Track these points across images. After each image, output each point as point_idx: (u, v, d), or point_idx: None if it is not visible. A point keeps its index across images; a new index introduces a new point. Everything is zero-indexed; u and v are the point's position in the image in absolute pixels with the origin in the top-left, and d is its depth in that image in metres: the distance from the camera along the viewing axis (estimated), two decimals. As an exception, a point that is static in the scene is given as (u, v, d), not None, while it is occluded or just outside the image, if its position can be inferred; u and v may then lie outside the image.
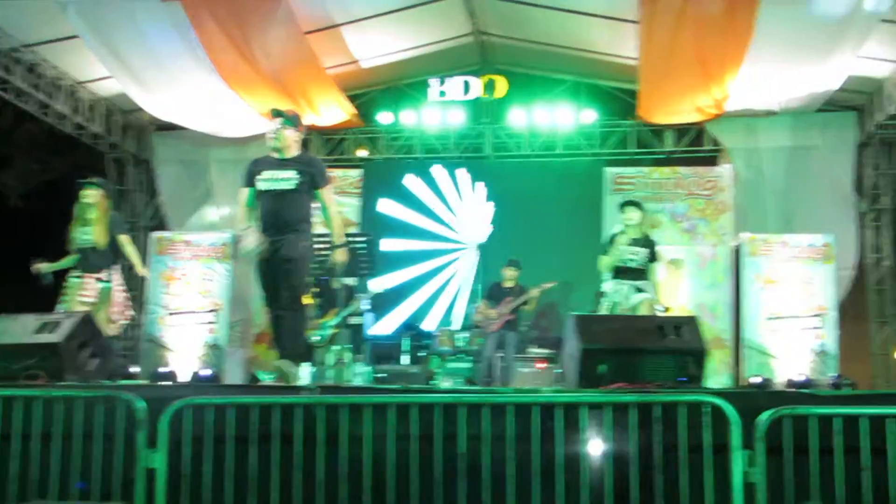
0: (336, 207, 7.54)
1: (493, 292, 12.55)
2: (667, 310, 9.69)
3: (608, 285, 9.45)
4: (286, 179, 7.15)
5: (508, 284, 12.44)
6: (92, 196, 9.03)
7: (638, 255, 9.33)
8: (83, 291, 8.77)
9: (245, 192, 7.38)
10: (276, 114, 7.41)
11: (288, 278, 7.12)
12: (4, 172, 20.91)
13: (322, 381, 10.24)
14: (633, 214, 9.47)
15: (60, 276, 9.05)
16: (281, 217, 7.16)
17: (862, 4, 10.37)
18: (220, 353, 13.65)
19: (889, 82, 12.97)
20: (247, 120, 13.98)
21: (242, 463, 4.69)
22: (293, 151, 7.33)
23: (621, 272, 9.35)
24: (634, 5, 11.54)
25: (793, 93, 12.94)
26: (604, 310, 9.38)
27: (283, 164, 7.21)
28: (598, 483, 4.61)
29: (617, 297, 9.27)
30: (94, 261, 8.88)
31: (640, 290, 9.27)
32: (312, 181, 7.23)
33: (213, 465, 4.67)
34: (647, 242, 9.47)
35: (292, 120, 7.39)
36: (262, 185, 7.22)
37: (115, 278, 9.02)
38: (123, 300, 9.12)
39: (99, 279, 8.87)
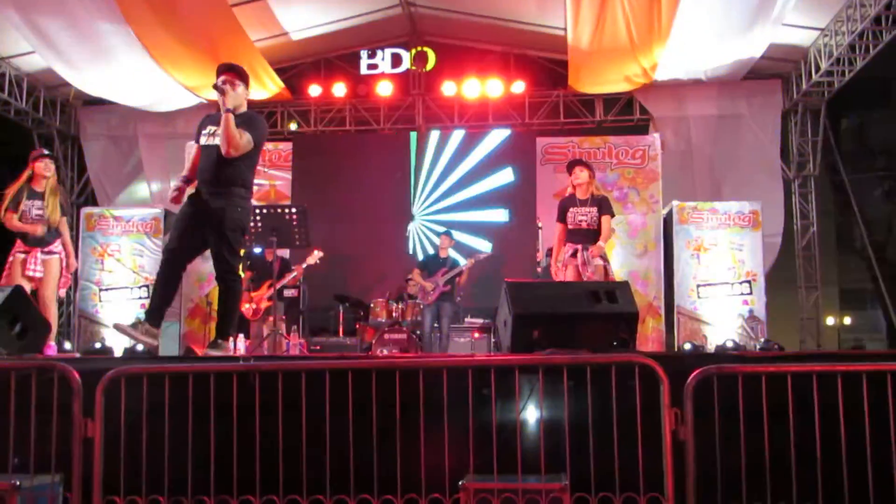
0: (238, 136, 6.69)
1: (427, 263, 12.57)
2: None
3: (565, 249, 9.32)
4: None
5: (443, 255, 12.47)
6: (49, 169, 8.79)
7: (587, 215, 9.23)
8: (31, 266, 8.60)
9: (194, 148, 7.09)
10: (228, 68, 6.98)
11: (220, 249, 6.83)
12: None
13: (256, 353, 10.23)
14: (581, 174, 9.34)
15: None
16: (215, 173, 6.80)
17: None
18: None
19: (813, 50, 13.20)
20: (174, 94, 13.89)
21: (179, 431, 4.69)
22: (242, 109, 6.91)
23: (574, 235, 9.25)
24: (562, -24, 11.62)
25: (718, 61, 13.13)
26: (553, 274, 9.30)
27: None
28: (533, 444, 4.69)
29: (577, 261, 9.11)
30: (42, 235, 8.66)
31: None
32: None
33: (149, 433, 4.67)
34: (595, 201, 9.26)
35: (240, 73, 6.98)
36: (202, 140, 6.93)
37: (60, 250, 8.87)
38: (66, 272, 8.99)
39: (47, 252, 8.71)
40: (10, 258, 8.67)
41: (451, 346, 12.18)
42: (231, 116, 6.65)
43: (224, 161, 6.75)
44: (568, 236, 9.27)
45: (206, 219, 6.80)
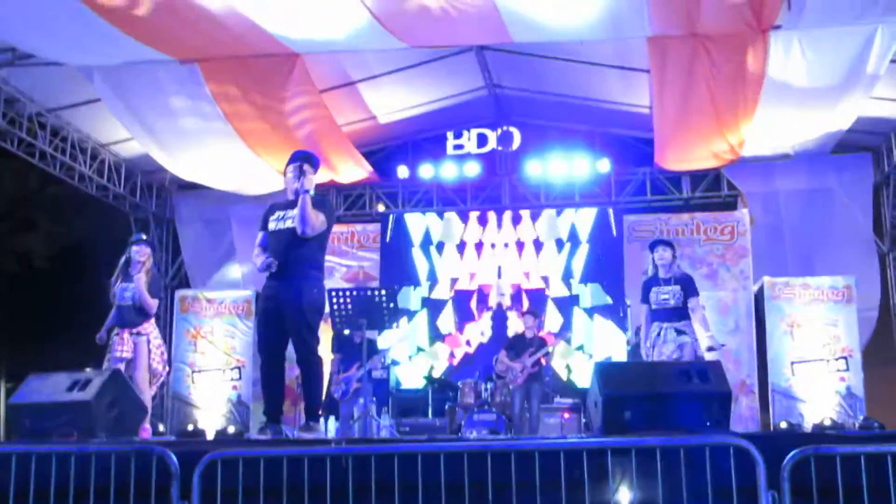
0: (314, 215, 6.93)
1: (514, 343, 12.50)
2: (722, 346, 9.47)
3: (649, 329, 9.27)
4: (294, 217, 6.95)
5: (529, 335, 12.40)
6: (143, 254, 9.05)
7: (671, 293, 9.20)
8: (120, 347, 8.82)
9: (260, 236, 7.28)
10: (300, 156, 7.23)
11: (299, 330, 7.02)
12: (30, 235, 21.18)
13: (347, 434, 10.28)
14: (665, 253, 9.31)
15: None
16: (289, 256, 6.97)
17: (870, 49, 10.44)
18: (245, 411, 13.73)
19: (903, 122, 13.04)
20: (267, 178, 14.15)
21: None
22: (311, 193, 7.06)
23: (659, 315, 9.18)
24: (645, 55, 11.64)
25: (806, 135, 13.00)
26: (644, 356, 9.23)
27: (294, 203, 7.00)
28: (627, 528, 4.64)
29: (659, 341, 9.07)
30: (130, 317, 8.91)
31: (680, 332, 9.09)
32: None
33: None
34: (679, 279, 9.25)
35: (314, 162, 7.23)
36: (271, 226, 7.13)
37: (151, 331, 9.09)
38: (160, 354, 9.17)
39: (136, 333, 8.93)
40: (111, 342, 8.91)
41: (540, 426, 12.07)
42: (309, 198, 6.87)
43: (298, 243, 6.96)
44: (653, 316, 9.22)
45: (285, 303, 6.98)
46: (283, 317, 7.03)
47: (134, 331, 8.92)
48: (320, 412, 7.32)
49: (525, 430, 11.84)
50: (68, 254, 20.20)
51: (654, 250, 9.40)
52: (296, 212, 6.90)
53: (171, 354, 14.09)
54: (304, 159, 7.17)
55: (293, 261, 6.99)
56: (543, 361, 12.24)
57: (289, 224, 7.00)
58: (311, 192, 7.04)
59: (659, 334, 9.04)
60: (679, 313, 9.08)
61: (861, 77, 11.02)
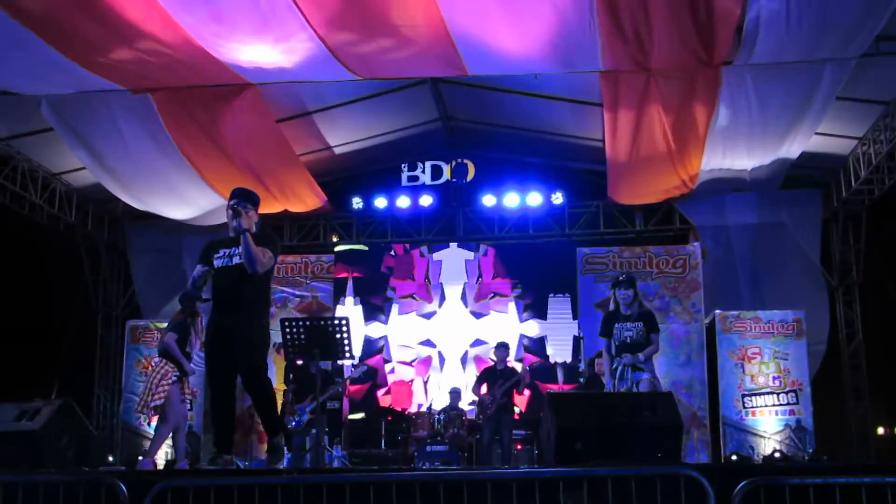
0: (261, 252, 6.96)
1: (486, 376, 12.50)
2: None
3: (608, 364, 9.34)
4: (240, 255, 6.99)
5: (500, 367, 12.39)
6: None
7: (633, 330, 9.25)
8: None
9: (198, 270, 7.25)
10: (240, 193, 7.26)
11: (249, 358, 7.04)
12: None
13: (300, 465, 10.21)
14: (627, 292, 9.39)
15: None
16: (233, 293, 7.04)
17: (819, 85, 10.62)
18: (196, 441, 13.58)
19: (852, 158, 13.23)
20: (219, 208, 14.06)
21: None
22: (253, 230, 7.05)
23: (620, 348, 9.25)
24: (598, 88, 11.73)
25: (757, 162, 13.10)
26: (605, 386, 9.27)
27: (236, 241, 7.03)
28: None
29: (616, 376, 9.14)
30: None
31: (639, 369, 9.17)
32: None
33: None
34: (642, 316, 9.39)
35: (253, 199, 7.26)
36: (217, 263, 7.15)
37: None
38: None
39: None
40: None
41: (493, 457, 12.05)
42: (250, 236, 6.88)
43: (246, 279, 7.00)
44: (615, 352, 9.28)
45: (234, 336, 7.01)
46: (233, 349, 7.03)
47: None
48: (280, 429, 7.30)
49: (496, 462, 11.82)
50: (17, 283, 19.86)
51: (617, 288, 9.47)
52: (241, 250, 6.94)
53: (121, 384, 13.98)
54: (241, 197, 7.18)
55: (243, 297, 7.04)
56: (516, 392, 12.25)
57: (236, 261, 7.03)
58: (254, 229, 7.07)
59: (617, 370, 9.10)
60: (640, 348, 9.16)
61: (809, 110, 11.22)
